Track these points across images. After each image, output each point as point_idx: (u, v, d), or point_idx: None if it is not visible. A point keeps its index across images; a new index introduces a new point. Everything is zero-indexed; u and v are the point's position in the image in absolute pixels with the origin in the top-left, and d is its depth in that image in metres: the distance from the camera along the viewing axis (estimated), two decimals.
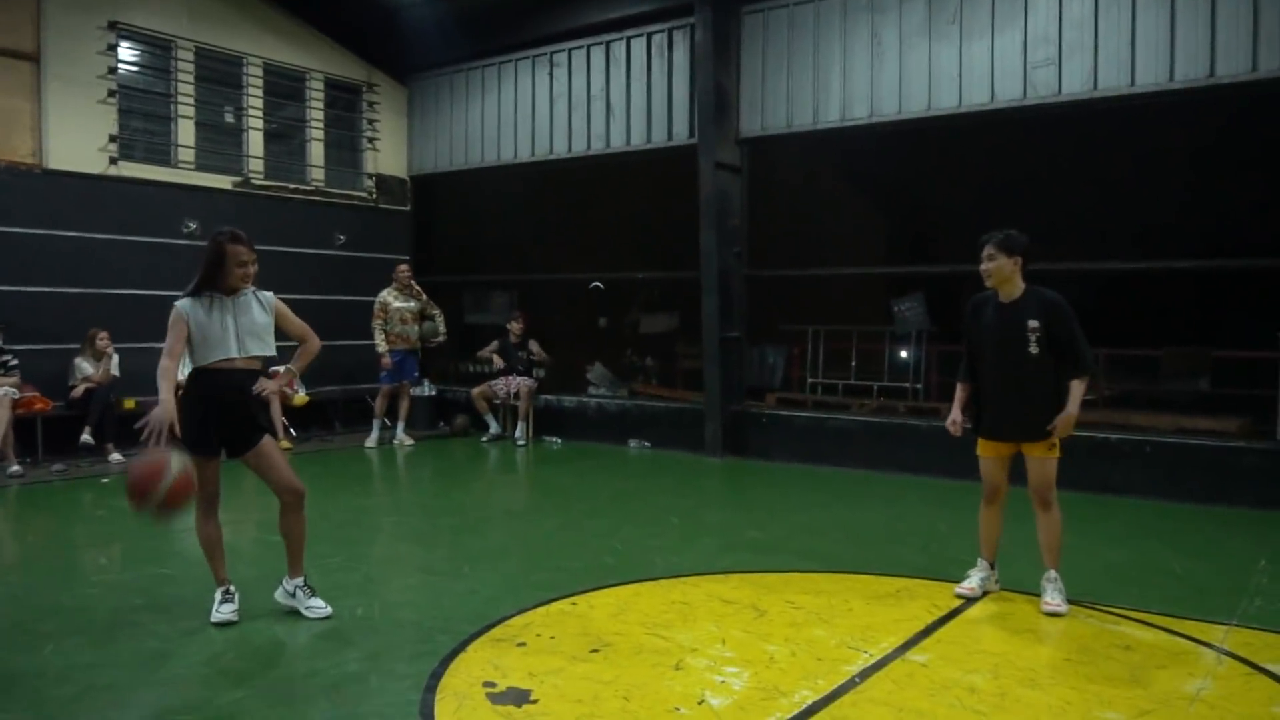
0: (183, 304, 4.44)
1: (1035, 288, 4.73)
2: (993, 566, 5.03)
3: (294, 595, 4.61)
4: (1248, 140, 10.84)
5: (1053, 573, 4.76)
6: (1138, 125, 10.59)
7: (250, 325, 4.53)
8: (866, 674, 3.85)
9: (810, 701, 3.57)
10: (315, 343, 4.79)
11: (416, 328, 10.60)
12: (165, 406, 4.22)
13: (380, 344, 10.31)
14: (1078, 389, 4.63)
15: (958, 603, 4.83)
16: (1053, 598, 4.68)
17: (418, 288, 10.60)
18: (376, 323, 10.29)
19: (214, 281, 4.47)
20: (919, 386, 10.80)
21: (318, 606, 4.57)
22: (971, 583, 4.95)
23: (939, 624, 4.49)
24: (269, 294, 4.66)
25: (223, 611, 4.46)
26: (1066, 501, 7.37)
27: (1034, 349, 4.62)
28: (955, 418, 5.00)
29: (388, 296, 10.34)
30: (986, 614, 4.68)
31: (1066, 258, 9.89)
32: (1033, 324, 4.62)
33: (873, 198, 15.17)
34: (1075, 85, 8.04)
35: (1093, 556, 5.84)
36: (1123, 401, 10.35)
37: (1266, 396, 8.34)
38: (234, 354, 4.48)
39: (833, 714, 3.47)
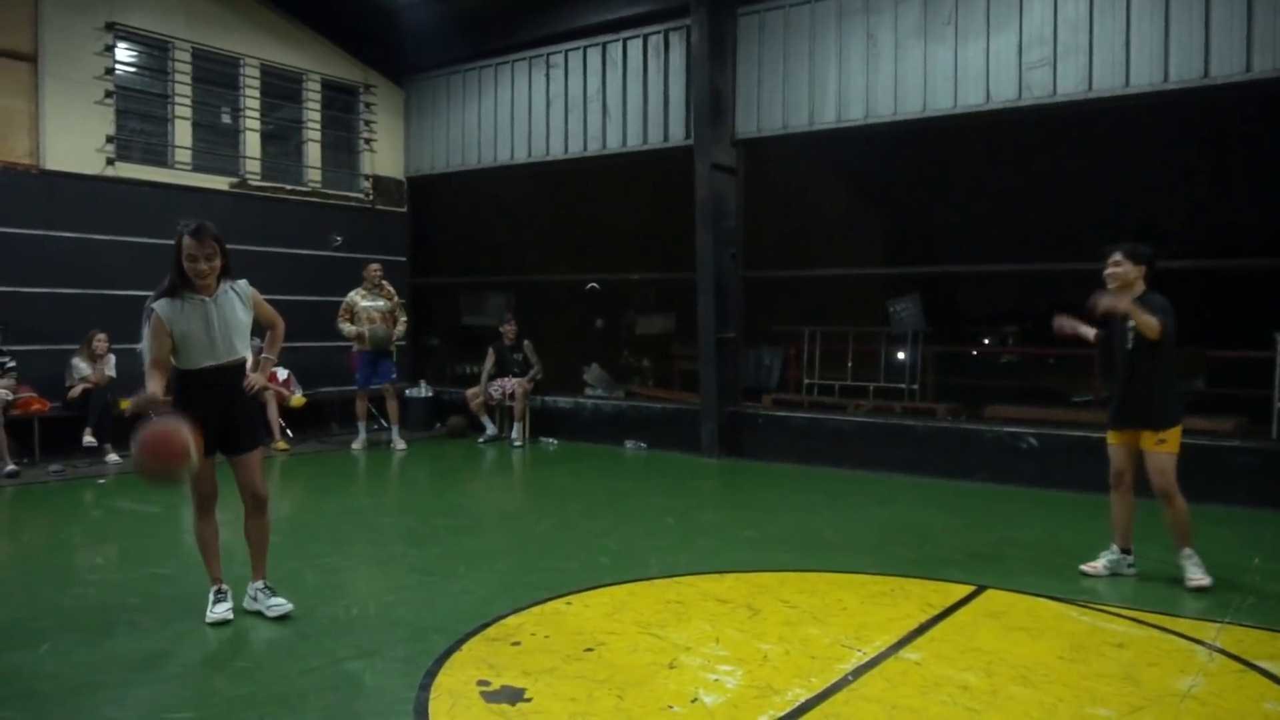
0: (160, 309, 4.27)
1: (1148, 293, 5.13)
2: (1125, 551, 5.34)
3: (255, 598, 4.60)
4: (1243, 140, 10.88)
5: (1187, 550, 5.13)
6: (1134, 125, 10.64)
7: (234, 324, 4.42)
8: (860, 672, 3.86)
9: (803, 699, 3.58)
10: (282, 325, 4.78)
11: (386, 327, 10.32)
12: (149, 391, 4.16)
13: (347, 329, 10.08)
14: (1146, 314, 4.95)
15: (952, 601, 4.85)
16: (1193, 573, 5.07)
17: (389, 287, 10.48)
18: (342, 322, 10.14)
19: (185, 279, 4.31)
20: (914, 387, 10.82)
21: (278, 604, 4.54)
22: (1097, 562, 5.33)
23: (932, 622, 4.51)
24: (243, 283, 4.51)
25: (217, 611, 4.46)
26: (1063, 502, 7.46)
27: (1129, 344, 5.14)
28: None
29: (355, 296, 10.19)
30: (980, 612, 4.69)
31: (1064, 258, 9.91)
32: (1130, 323, 5.07)
33: (869, 199, 15.23)
34: (1070, 86, 8.07)
35: (1088, 555, 5.85)
36: None
37: (1261, 396, 8.37)
38: (221, 358, 4.40)
39: (825, 712, 3.48)
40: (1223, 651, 4.13)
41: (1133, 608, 4.73)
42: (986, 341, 16.42)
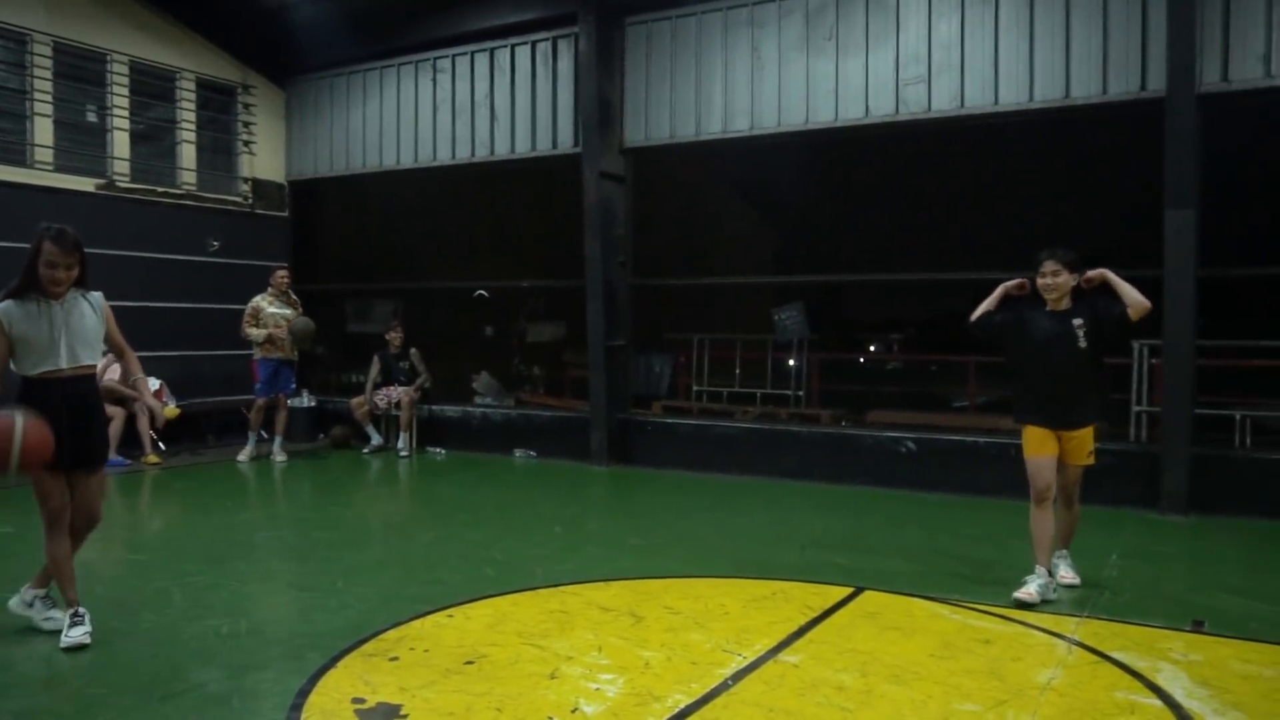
0: (3, 308, 4.11)
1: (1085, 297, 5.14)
2: (1051, 574, 5.13)
3: (31, 605, 4.44)
4: (1105, 157, 11.49)
5: (1065, 551, 5.35)
6: (1006, 143, 11.12)
7: (81, 331, 4.26)
8: (739, 676, 3.91)
9: (683, 705, 3.60)
10: (131, 353, 4.65)
11: (306, 319, 10.06)
12: None
13: (255, 333, 9.77)
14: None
15: (831, 602, 4.96)
16: (1067, 572, 5.29)
17: (294, 296, 10.24)
18: (247, 326, 9.84)
19: (37, 281, 4.16)
20: (800, 393, 11.05)
21: (56, 618, 4.37)
22: (1030, 588, 4.94)
23: (811, 625, 4.60)
24: (98, 294, 4.38)
25: (73, 635, 4.21)
26: (941, 504, 7.71)
27: (1082, 343, 5.02)
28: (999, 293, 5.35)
29: (261, 302, 9.92)
30: (857, 615, 4.81)
31: (946, 268, 10.29)
32: (1077, 321, 5.03)
33: (758, 208, 15.49)
34: (944, 103, 8.38)
35: (961, 555, 6.08)
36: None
37: (1121, 400, 8.83)
38: (63, 364, 4.21)
39: (705, 717, 3.51)
40: (1081, 644, 4.34)
41: (1000, 605, 4.92)
42: (872, 348, 16.88)
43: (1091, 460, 5.18)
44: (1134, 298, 4.98)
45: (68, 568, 4.33)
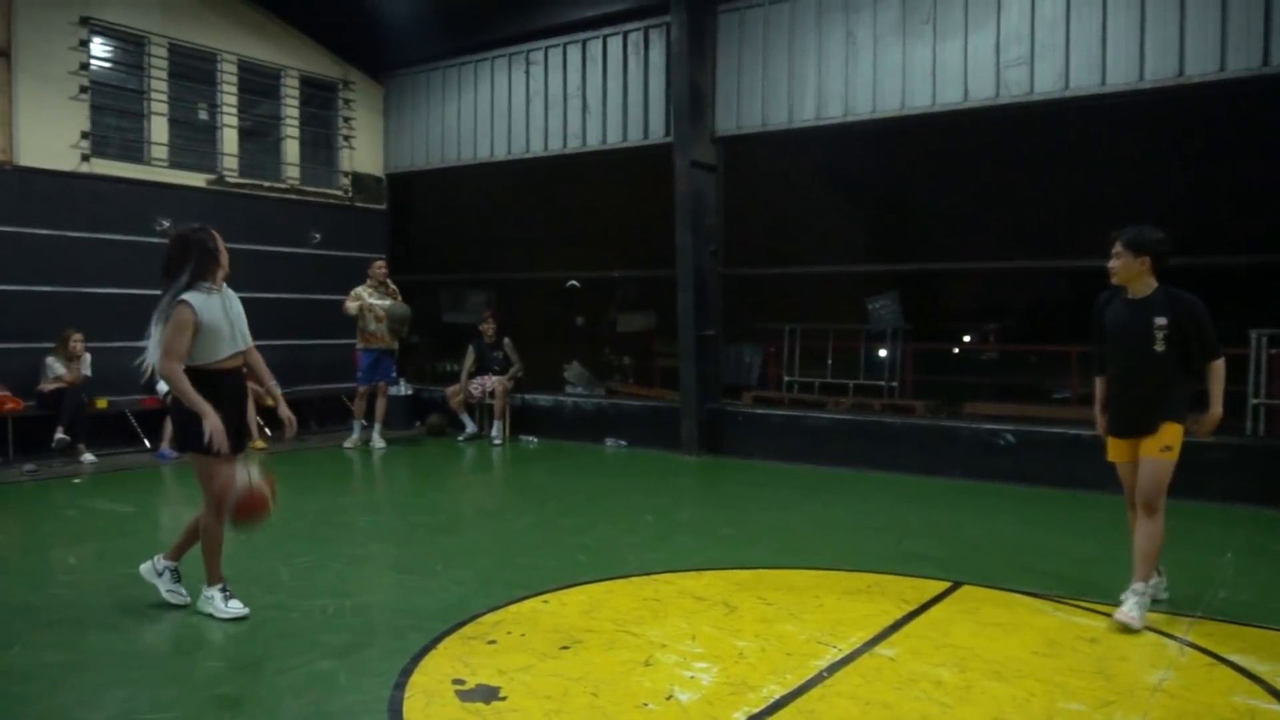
0: (193, 300, 4.35)
1: (1168, 286, 4.59)
2: (1159, 574, 4.73)
3: (162, 575, 4.67)
4: (1218, 138, 10.98)
5: (1140, 585, 4.49)
6: (1113, 124, 10.72)
7: (240, 318, 4.59)
8: (835, 668, 3.87)
9: (778, 696, 3.59)
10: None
11: (404, 305, 10.33)
12: (212, 418, 4.26)
13: (352, 306, 10.06)
14: (1217, 386, 4.56)
15: (928, 597, 4.87)
16: (1130, 610, 4.38)
17: (393, 286, 10.52)
18: (349, 303, 10.08)
19: (209, 272, 4.44)
20: (894, 384, 10.86)
21: (181, 592, 4.65)
22: (1131, 611, 4.42)
23: (908, 618, 4.53)
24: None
25: (233, 607, 4.48)
26: (1040, 498, 7.50)
27: (1159, 346, 4.50)
28: (1100, 424, 4.92)
29: (362, 291, 10.24)
30: (955, 609, 4.72)
31: (1045, 255, 9.99)
32: (1160, 321, 4.50)
33: (849, 196, 15.25)
34: (1047, 84, 8.11)
35: (1063, 551, 5.90)
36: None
37: (1236, 392, 8.43)
38: (240, 347, 4.54)
39: (800, 708, 3.49)
40: (1194, 646, 4.17)
41: (1106, 603, 4.75)
42: (968, 338, 16.49)
43: (1167, 455, 4.51)
44: (1216, 391, 4.55)
45: (221, 548, 4.58)
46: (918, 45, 8.68)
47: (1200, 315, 4.51)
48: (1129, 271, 4.58)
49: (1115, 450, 4.78)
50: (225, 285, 4.58)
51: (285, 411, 4.82)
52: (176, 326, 4.30)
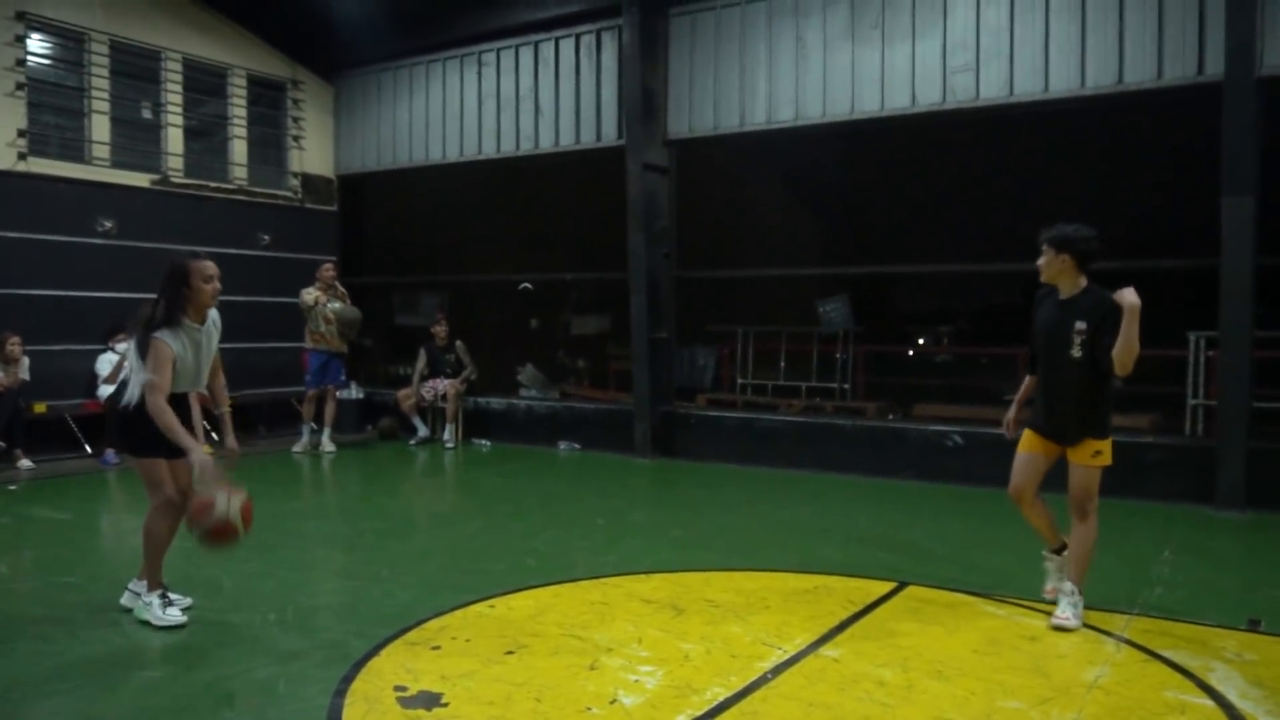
0: (167, 338, 4.29)
1: (1094, 287, 4.51)
2: (1058, 551, 4.78)
3: (150, 604, 4.52)
4: (1154, 144, 11.23)
5: (1069, 585, 4.53)
6: (1055, 129, 10.91)
7: (208, 356, 4.56)
8: (779, 670, 3.89)
9: (722, 698, 3.59)
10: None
11: (354, 309, 10.23)
12: (204, 460, 4.29)
13: (306, 296, 9.97)
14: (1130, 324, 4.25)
15: (874, 597, 4.91)
16: (1064, 611, 4.45)
17: (342, 289, 10.38)
18: (306, 294, 9.99)
19: (181, 309, 4.37)
20: (846, 386, 10.95)
21: (180, 605, 4.54)
22: (1053, 582, 4.78)
23: (853, 619, 4.56)
24: (214, 311, 4.58)
25: (170, 615, 4.39)
26: (983, 497, 7.60)
27: (1076, 351, 4.44)
28: (1010, 415, 4.96)
29: (313, 292, 10.10)
30: (900, 609, 4.76)
31: (997, 259, 10.10)
32: (1079, 325, 4.43)
33: (802, 199, 15.37)
34: (993, 90, 8.24)
35: (1007, 550, 5.98)
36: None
37: (1175, 393, 8.63)
38: (199, 387, 4.61)
39: (743, 710, 3.50)
40: (1129, 642, 4.25)
41: (1046, 601, 4.83)
42: (921, 341, 16.67)
43: (1097, 461, 4.50)
44: (1124, 348, 4.23)
45: (163, 552, 4.52)
46: (866, 50, 8.77)
47: (1116, 314, 4.30)
48: (1053, 269, 4.55)
49: (1028, 442, 4.71)
50: (213, 313, 4.54)
51: (232, 443, 4.86)
52: (156, 361, 4.27)
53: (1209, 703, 3.58)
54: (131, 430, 4.38)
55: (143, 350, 4.31)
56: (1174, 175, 10.94)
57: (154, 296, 4.42)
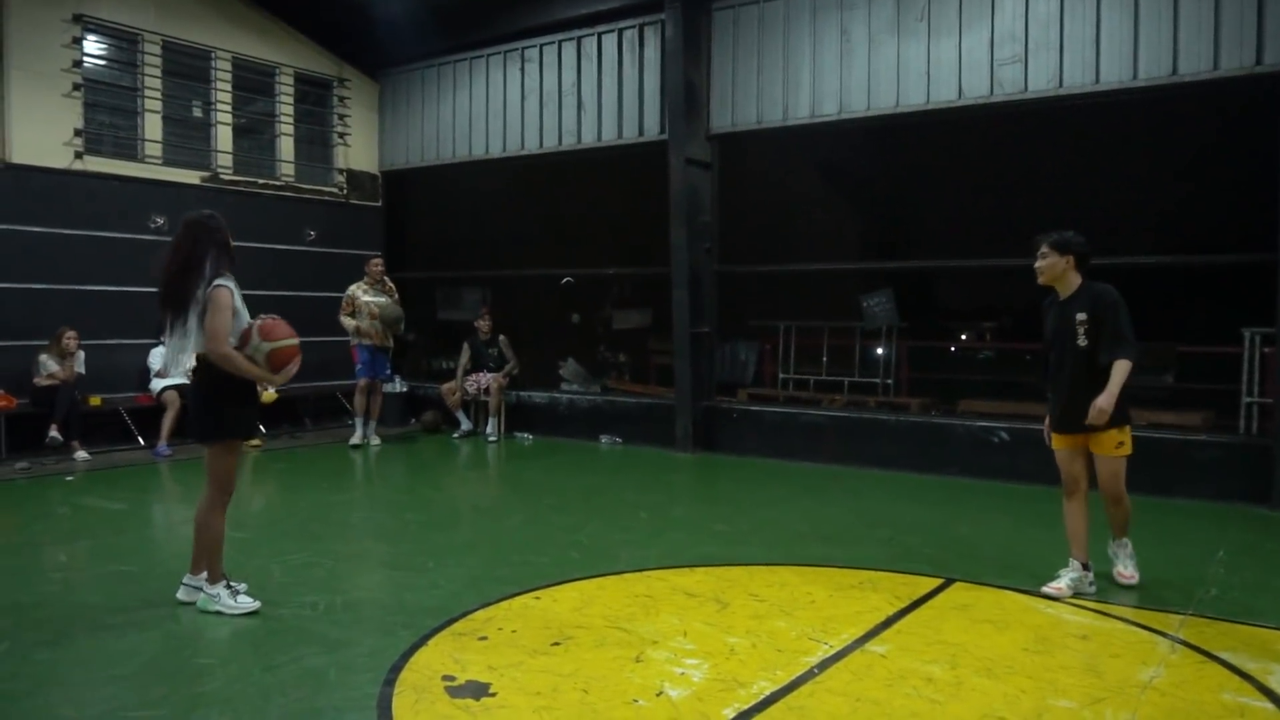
0: (231, 284, 4.45)
1: (1090, 283, 4.85)
2: (1086, 567, 4.90)
3: (217, 596, 4.57)
4: (1212, 137, 10.97)
5: (1125, 539, 5.00)
6: (1103, 122, 10.70)
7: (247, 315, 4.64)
8: (825, 665, 3.87)
9: (768, 692, 3.58)
10: None
11: (397, 305, 10.31)
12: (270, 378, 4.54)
13: (348, 322, 10.07)
14: (1118, 374, 4.68)
15: (920, 593, 4.87)
16: (1125, 565, 4.99)
17: (390, 283, 10.49)
18: (344, 315, 10.13)
19: (231, 258, 4.54)
20: (889, 382, 10.86)
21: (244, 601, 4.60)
22: (1060, 583, 4.86)
23: (900, 615, 4.53)
24: None
25: (243, 603, 4.49)
26: (1029, 494, 7.50)
27: (1082, 341, 4.76)
28: (1046, 426, 5.14)
29: (357, 290, 10.19)
30: (948, 605, 4.72)
31: (1033, 254, 9.94)
32: (1080, 316, 4.77)
33: (845, 194, 15.24)
34: (1041, 83, 8.11)
35: (1056, 547, 5.88)
36: None
37: (1230, 390, 8.45)
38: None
39: (790, 704, 3.49)
40: (1185, 643, 4.17)
41: (1098, 600, 4.76)
42: (964, 337, 16.47)
43: (1121, 452, 4.82)
44: (1115, 380, 4.68)
45: (222, 545, 4.61)
46: (912, 43, 8.68)
47: (1112, 304, 4.72)
48: (1054, 270, 4.86)
49: (1059, 441, 5.01)
50: None
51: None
52: (217, 307, 4.36)
53: (1269, 705, 3.51)
54: (226, 400, 4.44)
55: (202, 308, 4.37)
56: (1231, 169, 10.68)
57: (176, 259, 4.47)
